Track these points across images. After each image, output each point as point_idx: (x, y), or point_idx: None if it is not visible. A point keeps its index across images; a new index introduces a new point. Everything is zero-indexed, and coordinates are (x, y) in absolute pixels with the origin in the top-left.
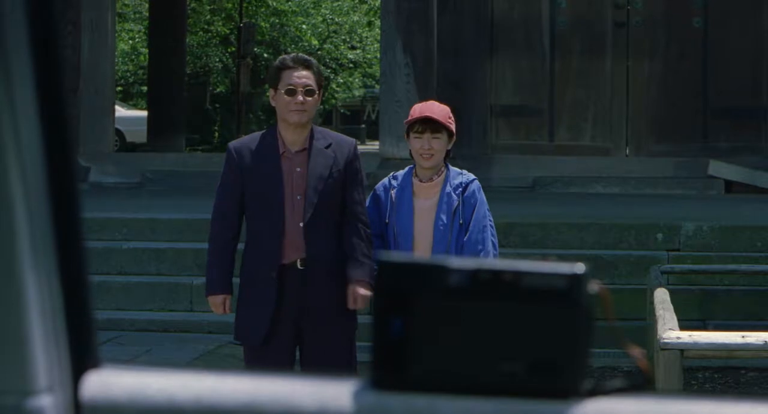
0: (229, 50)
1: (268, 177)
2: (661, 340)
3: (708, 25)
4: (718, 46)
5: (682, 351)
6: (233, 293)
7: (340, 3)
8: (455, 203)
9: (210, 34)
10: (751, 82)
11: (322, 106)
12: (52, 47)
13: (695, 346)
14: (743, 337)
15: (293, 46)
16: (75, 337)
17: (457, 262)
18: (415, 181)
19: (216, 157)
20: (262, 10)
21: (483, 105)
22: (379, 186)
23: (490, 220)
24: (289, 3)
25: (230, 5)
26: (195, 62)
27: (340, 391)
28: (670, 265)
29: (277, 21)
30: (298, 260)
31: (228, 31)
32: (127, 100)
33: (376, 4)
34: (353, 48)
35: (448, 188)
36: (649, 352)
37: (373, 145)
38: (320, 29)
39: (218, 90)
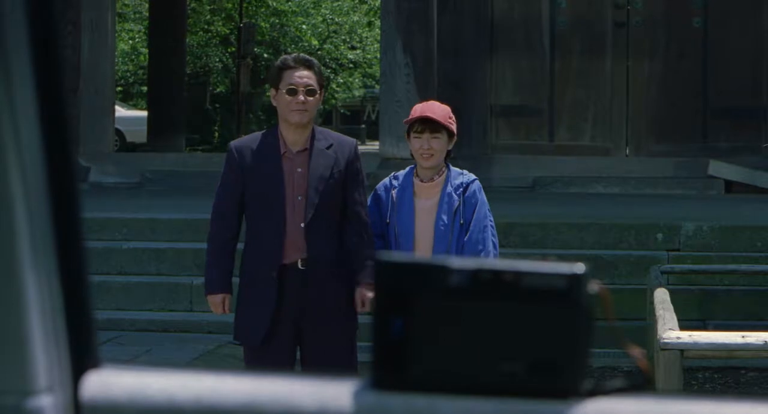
0: (229, 50)
1: (269, 177)
2: (661, 340)
3: (708, 25)
4: (718, 46)
5: (682, 351)
6: (232, 293)
7: (340, 3)
8: (456, 203)
9: (210, 34)
10: (751, 82)
11: (322, 107)
12: (52, 47)
13: (695, 346)
14: (743, 337)
15: (293, 46)
16: (75, 337)
17: (457, 262)
18: (416, 181)
19: (216, 157)
20: (262, 10)
21: (483, 105)
22: (380, 186)
23: (491, 221)
24: (289, 3)
25: (230, 5)
26: (195, 62)
27: (340, 391)
28: (670, 265)
29: (277, 21)
30: (299, 260)
31: (228, 31)
32: (127, 100)
33: (376, 4)
34: (353, 48)
35: (449, 188)
36: (649, 352)
37: (373, 145)
38: (320, 29)
39: (218, 90)
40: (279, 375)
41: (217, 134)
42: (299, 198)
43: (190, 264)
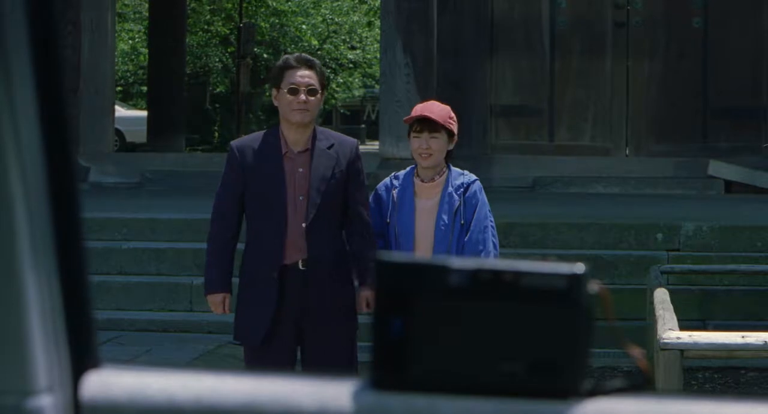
0: (228, 50)
1: (271, 177)
2: (661, 340)
3: (708, 25)
4: (718, 46)
5: (682, 351)
6: (232, 293)
7: (339, 3)
8: (456, 203)
9: (210, 34)
10: (751, 82)
11: (322, 107)
12: (52, 47)
13: (695, 346)
14: (743, 337)
15: (293, 46)
16: (75, 337)
17: (457, 262)
18: (417, 181)
19: (216, 157)
20: (262, 10)
21: (483, 105)
22: (380, 186)
23: (491, 221)
24: (289, 3)
25: (230, 5)
26: (195, 62)
27: (340, 391)
28: (670, 265)
29: (276, 21)
30: (300, 261)
31: (228, 31)
32: (127, 100)
33: (376, 4)
34: (353, 48)
35: (450, 188)
36: (649, 352)
37: (372, 145)
38: (320, 29)
39: (218, 90)
40: (279, 375)
41: (216, 134)
42: (300, 198)
43: (190, 264)
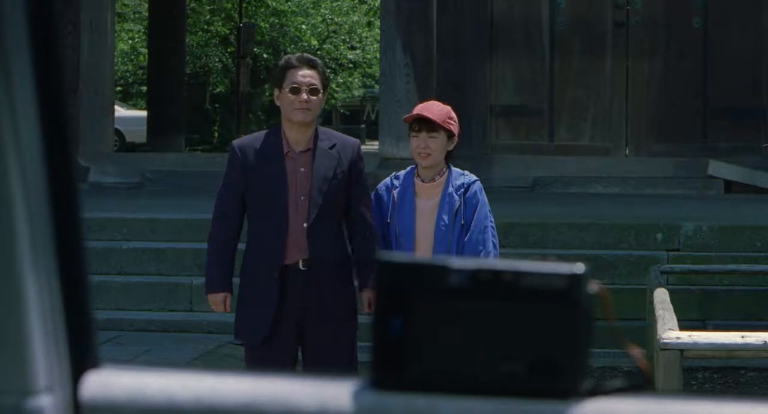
0: (228, 50)
1: (272, 177)
2: (661, 340)
3: (708, 25)
4: (718, 46)
5: (682, 351)
6: (233, 292)
7: (339, 3)
8: (457, 204)
9: (209, 34)
10: (751, 82)
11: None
12: (52, 47)
13: (695, 346)
14: (743, 337)
15: (293, 46)
16: (75, 337)
17: (457, 262)
18: (417, 181)
19: (216, 157)
20: (262, 10)
21: (483, 105)
22: (381, 186)
23: (491, 221)
24: (289, 3)
25: (230, 5)
26: (195, 62)
27: (340, 391)
28: (669, 265)
29: (276, 21)
30: (300, 261)
31: (227, 31)
32: (127, 100)
33: (376, 4)
34: (353, 48)
35: (450, 189)
36: (648, 352)
37: (372, 145)
38: (320, 29)
39: (218, 90)
40: (279, 375)
41: (216, 134)
42: (302, 198)
43: (190, 264)
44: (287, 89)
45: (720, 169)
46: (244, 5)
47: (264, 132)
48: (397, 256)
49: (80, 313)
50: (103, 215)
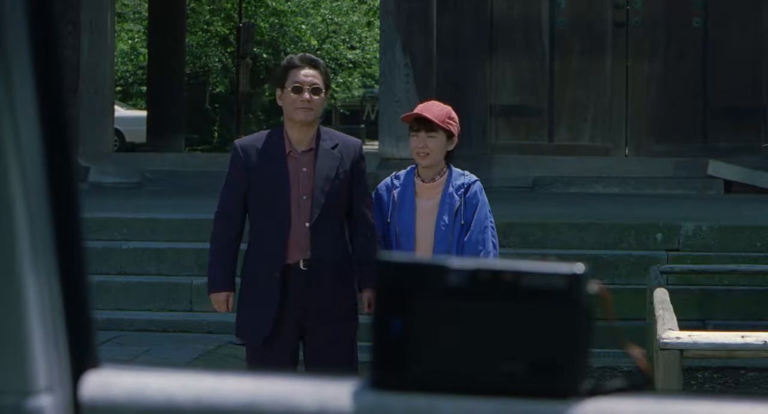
0: (228, 50)
1: (275, 177)
2: (661, 340)
3: (708, 25)
4: (718, 46)
5: (682, 351)
6: (236, 291)
7: (339, 3)
8: (457, 204)
9: (209, 34)
10: (751, 82)
11: None
12: (52, 47)
13: (695, 346)
14: (743, 337)
15: (292, 46)
16: (74, 337)
17: (457, 262)
18: (417, 181)
19: (216, 157)
20: (262, 10)
21: (483, 105)
22: (381, 185)
23: (491, 222)
24: (289, 3)
25: (229, 5)
26: (194, 62)
27: (340, 391)
28: (669, 265)
29: (276, 21)
30: (301, 261)
31: (227, 31)
32: (127, 100)
33: (376, 4)
34: (352, 48)
35: (450, 189)
36: (648, 352)
37: (372, 145)
38: (319, 29)
39: (218, 90)
40: (279, 375)
41: (216, 134)
42: (304, 198)
43: (190, 264)
44: (289, 88)
45: (720, 169)
46: (244, 5)
47: (266, 132)
48: (397, 256)
49: (80, 313)
50: (103, 215)
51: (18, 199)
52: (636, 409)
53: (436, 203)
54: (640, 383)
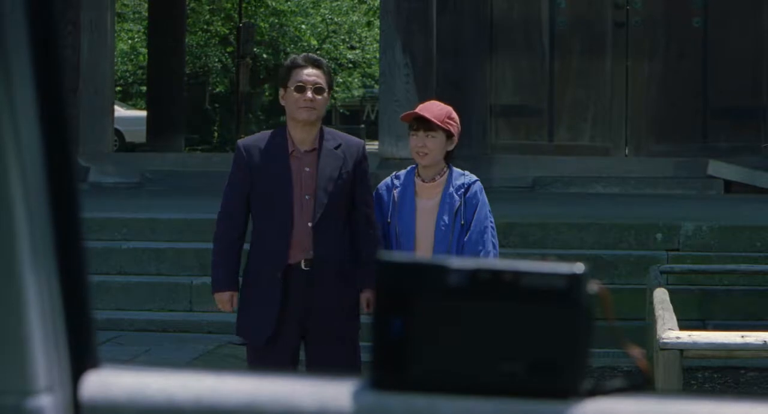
0: (228, 50)
1: (277, 177)
2: (661, 340)
3: (708, 25)
4: (718, 46)
5: (682, 351)
6: (239, 290)
7: (339, 3)
8: (457, 204)
9: (209, 34)
10: (751, 82)
11: None
12: (52, 47)
13: (695, 346)
14: (743, 337)
15: (292, 46)
16: (74, 337)
17: (456, 262)
18: (418, 181)
19: (216, 157)
20: (261, 10)
21: (483, 105)
22: (381, 185)
23: (491, 222)
24: (288, 3)
25: (229, 5)
26: (194, 62)
27: (340, 391)
28: (669, 265)
29: (276, 21)
30: (303, 261)
31: (227, 31)
32: (127, 100)
33: (376, 4)
34: (352, 48)
35: (451, 189)
36: (648, 352)
37: (372, 145)
38: (319, 29)
39: (217, 90)
40: (279, 375)
41: (216, 134)
42: (307, 197)
43: (190, 264)
44: (292, 88)
45: (720, 169)
46: (244, 5)
47: (269, 132)
48: (397, 256)
49: (80, 313)
50: (103, 215)
51: (18, 199)
52: (636, 409)
53: (436, 203)
54: (640, 383)
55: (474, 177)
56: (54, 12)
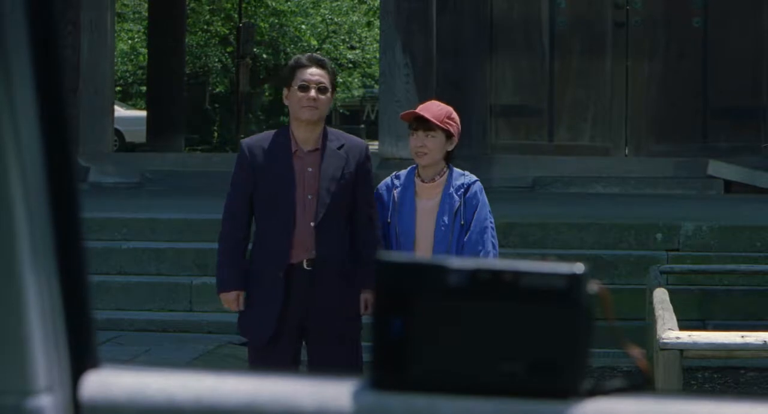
0: (228, 50)
1: (280, 176)
2: (661, 340)
3: (708, 25)
4: (718, 46)
5: (682, 351)
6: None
7: (339, 3)
8: (457, 204)
9: (209, 34)
10: (751, 82)
11: None
12: (52, 47)
13: (695, 346)
14: (743, 337)
15: (292, 46)
16: (74, 337)
17: (456, 262)
18: (418, 181)
19: (216, 157)
20: (261, 10)
21: (483, 105)
22: (381, 185)
23: (491, 222)
24: (288, 3)
25: (229, 5)
26: (194, 62)
27: (339, 391)
28: (669, 265)
29: (276, 21)
30: (305, 260)
31: (227, 31)
32: (127, 100)
33: (376, 4)
34: (352, 48)
35: (450, 189)
36: (648, 352)
37: (372, 145)
38: (319, 29)
39: (217, 90)
40: (279, 375)
41: (216, 134)
42: (309, 197)
43: (190, 264)
44: (296, 87)
45: (720, 169)
46: (244, 5)
47: (273, 131)
48: (397, 256)
49: (80, 313)
50: (103, 215)
51: (18, 199)
52: (636, 409)
53: (436, 203)
54: (640, 383)
55: (474, 177)
56: (54, 12)
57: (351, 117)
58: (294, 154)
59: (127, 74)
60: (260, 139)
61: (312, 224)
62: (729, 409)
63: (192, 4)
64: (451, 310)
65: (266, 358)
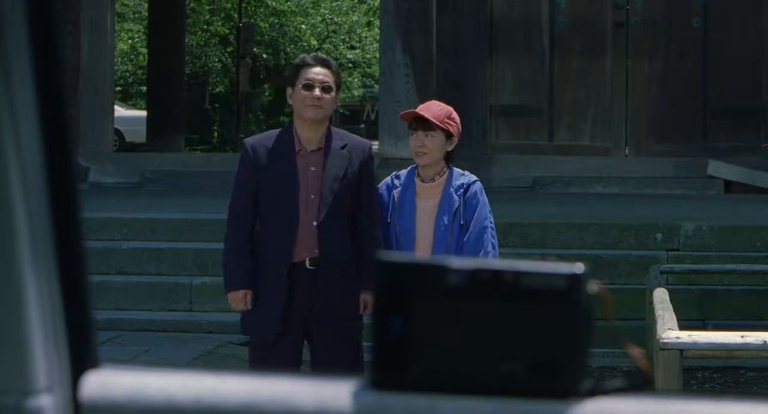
0: (228, 50)
1: (284, 175)
2: (661, 340)
3: (708, 25)
4: (718, 46)
5: (682, 351)
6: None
7: (339, 3)
8: (456, 204)
9: (209, 33)
10: (751, 82)
11: None
12: (52, 47)
13: (695, 346)
14: (742, 336)
15: (292, 46)
16: (74, 337)
17: (456, 262)
18: (417, 181)
19: (216, 157)
20: (261, 10)
21: (483, 105)
22: (381, 185)
23: (491, 222)
24: (288, 3)
25: (229, 5)
26: (194, 62)
27: (339, 391)
28: (669, 265)
29: (276, 21)
30: (308, 259)
31: (227, 31)
32: (127, 100)
33: (376, 4)
34: (352, 48)
35: (450, 189)
36: (648, 352)
37: (372, 145)
38: (319, 29)
39: (217, 90)
40: (279, 375)
41: (216, 134)
42: (312, 196)
43: (190, 264)
44: (300, 86)
45: (720, 169)
46: (244, 5)
47: (277, 131)
48: (397, 256)
49: (80, 313)
50: (103, 215)
51: (18, 199)
52: (636, 409)
53: (436, 203)
54: (640, 383)
55: (474, 177)
56: (54, 12)
57: (351, 117)
58: (297, 154)
59: (127, 74)
60: (264, 138)
61: (315, 223)
62: (729, 409)
63: (192, 4)
64: (451, 310)
65: (267, 357)
